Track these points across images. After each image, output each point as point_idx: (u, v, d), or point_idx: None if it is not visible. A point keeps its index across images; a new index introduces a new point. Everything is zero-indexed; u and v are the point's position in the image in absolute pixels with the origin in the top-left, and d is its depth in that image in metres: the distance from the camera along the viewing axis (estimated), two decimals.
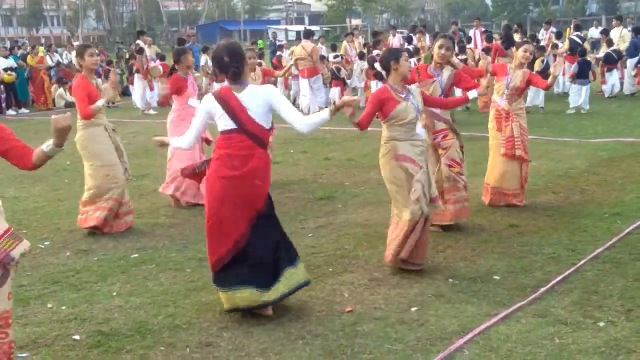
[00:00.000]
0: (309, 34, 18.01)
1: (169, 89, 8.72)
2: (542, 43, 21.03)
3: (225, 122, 4.99)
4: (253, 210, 5.02)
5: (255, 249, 5.03)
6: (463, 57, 16.93)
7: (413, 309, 5.25)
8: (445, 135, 7.12)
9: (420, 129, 6.05)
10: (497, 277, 5.86)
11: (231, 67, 4.97)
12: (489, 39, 19.07)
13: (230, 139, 4.98)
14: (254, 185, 4.99)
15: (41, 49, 24.33)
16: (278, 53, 22.63)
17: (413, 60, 17.56)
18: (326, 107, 17.27)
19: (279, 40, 31.42)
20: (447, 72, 7.19)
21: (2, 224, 3.91)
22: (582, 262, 6.12)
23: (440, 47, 7.11)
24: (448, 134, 7.12)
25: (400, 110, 5.92)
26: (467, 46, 18.72)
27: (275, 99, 5.01)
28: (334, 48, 21.69)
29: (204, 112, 5.15)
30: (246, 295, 5.04)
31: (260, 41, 44.78)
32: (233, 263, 5.05)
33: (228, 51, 5.00)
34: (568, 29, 23.66)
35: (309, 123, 5.05)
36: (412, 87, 6.26)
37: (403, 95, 5.99)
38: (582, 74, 16.44)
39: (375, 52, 18.14)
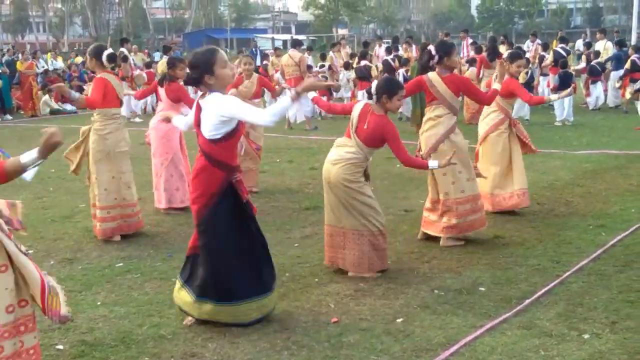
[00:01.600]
0: (296, 44, 18.03)
1: (170, 98, 8.75)
2: (528, 55, 21.18)
3: None
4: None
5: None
6: None
7: (398, 320, 5.25)
8: None
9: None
10: (482, 289, 5.87)
11: (191, 73, 4.99)
12: (478, 50, 19.19)
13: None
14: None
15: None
16: (264, 62, 22.67)
17: (402, 71, 17.68)
18: (312, 116, 17.39)
19: (268, 50, 31.50)
20: None
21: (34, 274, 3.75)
22: (567, 274, 6.14)
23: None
24: None
25: None
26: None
27: (224, 109, 4.82)
28: (323, 57, 21.74)
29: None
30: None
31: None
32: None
33: (191, 58, 5.03)
34: (554, 41, 23.83)
35: (272, 113, 4.79)
36: None
37: None
38: (563, 86, 16.52)
39: (363, 62, 18.18)
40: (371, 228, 6.09)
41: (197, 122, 5.02)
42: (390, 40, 29.93)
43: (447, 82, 7.02)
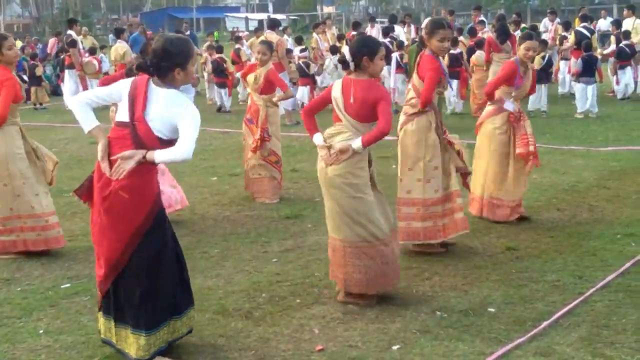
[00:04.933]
0: (274, 24, 18.04)
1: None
2: (545, 36, 21.28)
3: (121, 112, 4.93)
4: (125, 232, 4.89)
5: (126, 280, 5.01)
6: (457, 51, 17.09)
7: (394, 348, 5.27)
8: None
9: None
10: (492, 310, 5.90)
11: (158, 60, 4.86)
12: (472, 32, 19.26)
13: (118, 133, 4.92)
14: (118, 196, 4.85)
15: None
16: (237, 46, 22.65)
17: (396, 54, 17.74)
18: (293, 109, 17.39)
19: (242, 32, 31.37)
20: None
21: None
22: (591, 291, 6.18)
23: (442, 39, 7.09)
24: None
25: None
26: (459, 38, 18.89)
27: (188, 119, 4.81)
28: (299, 41, 21.72)
29: (115, 88, 5.04)
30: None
31: (215, 32, 44.78)
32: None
33: (165, 43, 4.88)
34: (576, 20, 23.96)
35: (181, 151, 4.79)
36: None
37: None
38: (586, 72, 16.62)
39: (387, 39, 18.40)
40: (370, 239, 6.03)
41: (141, 110, 4.83)
42: (384, 20, 29.99)
43: (420, 62, 7.28)
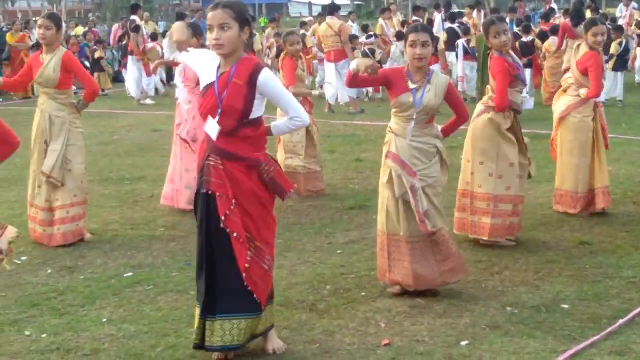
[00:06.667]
0: (334, 9, 17.99)
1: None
2: (621, 22, 20.90)
3: None
4: None
5: None
6: (529, 38, 16.86)
7: (463, 343, 5.25)
8: None
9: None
10: (565, 306, 5.84)
11: None
12: (546, 17, 18.94)
13: None
14: None
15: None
16: (302, 32, 22.68)
17: (462, 41, 17.57)
18: (358, 97, 17.36)
19: (306, 17, 31.34)
20: None
21: None
22: None
23: (497, 35, 7.09)
24: None
25: (401, 102, 5.99)
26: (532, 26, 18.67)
27: None
28: (365, 29, 21.68)
29: None
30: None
31: (262, 18, 44.80)
32: None
33: None
34: None
35: None
36: (435, 79, 6.04)
37: (414, 86, 5.98)
38: None
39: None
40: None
41: None
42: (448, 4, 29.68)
43: (491, 63, 7.27)
